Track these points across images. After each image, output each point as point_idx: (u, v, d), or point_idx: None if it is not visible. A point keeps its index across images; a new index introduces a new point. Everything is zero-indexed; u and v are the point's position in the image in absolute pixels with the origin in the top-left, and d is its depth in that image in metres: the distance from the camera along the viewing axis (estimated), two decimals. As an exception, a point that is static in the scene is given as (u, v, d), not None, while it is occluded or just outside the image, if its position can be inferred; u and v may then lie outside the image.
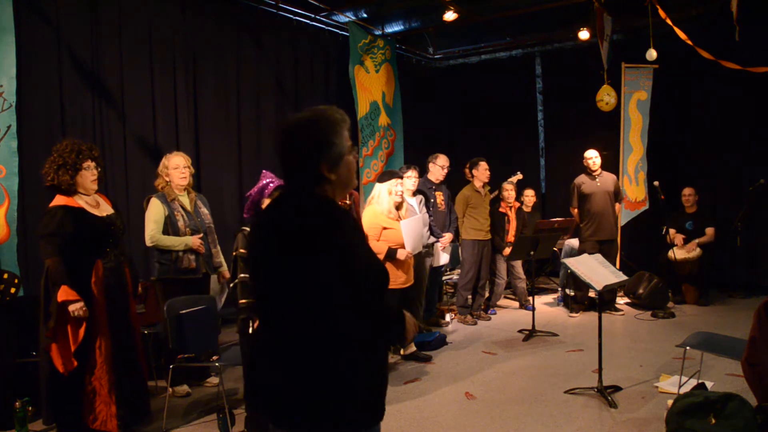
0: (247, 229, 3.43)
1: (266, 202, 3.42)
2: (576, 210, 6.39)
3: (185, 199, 4.29)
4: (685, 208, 6.90)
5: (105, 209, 3.54)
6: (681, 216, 6.89)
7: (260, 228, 1.79)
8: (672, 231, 6.74)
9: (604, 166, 6.42)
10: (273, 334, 1.72)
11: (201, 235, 4.23)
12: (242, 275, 3.40)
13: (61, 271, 3.25)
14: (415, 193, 5.40)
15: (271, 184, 3.47)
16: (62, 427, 3.39)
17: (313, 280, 1.60)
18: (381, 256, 4.51)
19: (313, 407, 1.64)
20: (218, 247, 4.40)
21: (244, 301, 3.38)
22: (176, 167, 4.22)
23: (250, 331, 3.34)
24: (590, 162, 6.27)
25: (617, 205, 6.36)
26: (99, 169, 3.52)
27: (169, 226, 4.13)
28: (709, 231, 6.70)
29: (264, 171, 3.61)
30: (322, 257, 1.59)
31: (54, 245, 3.27)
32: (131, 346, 3.60)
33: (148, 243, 4.14)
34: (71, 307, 3.24)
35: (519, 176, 7.04)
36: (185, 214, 4.21)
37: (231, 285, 3.55)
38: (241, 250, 3.46)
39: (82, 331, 3.29)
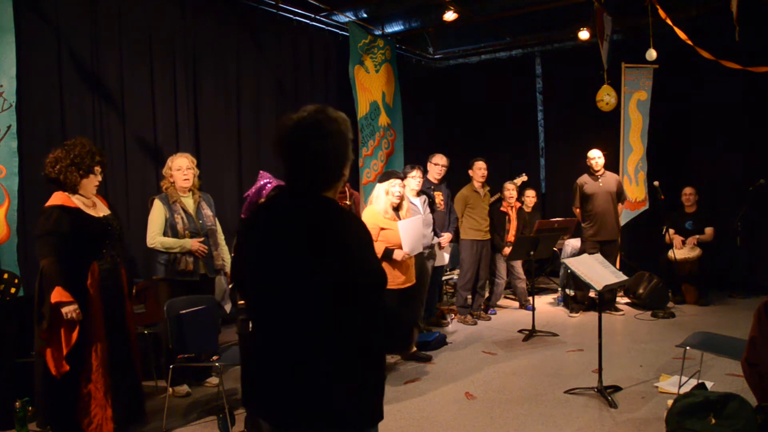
0: None
1: None
2: (578, 210, 6.38)
3: (189, 201, 4.29)
4: (684, 208, 6.90)
5: (101, 210, 3.50)
6: (681, 216, 6.89)
7: (257, 228, 1.75)
8: (671, 231, 6.73)
9: (605, 166, 6.41)
10: (272, 333, 1.69)
11: (201, 239, 4.22)
12: None
13: (55, 272, 3.17)
14: (419, 194, 5.39)
15: (269, 185, 3.40)
16: (57, 430, 3.34)
17: (326, 280, 1.58)
18: (378, 256, 4.50)
19: (312, 408, 1.63)
20: (220, 249, 4.36)
21: (244, 302, 3.34)
22: (179, 169, 4.23)
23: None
24: (593, 162, 6.23)
25: (620, 205, 6.34)
26: (102, 175, 3.53)
27: (168, 228, 4.14)
28: (708, 230, 6.70)
29: (261, 171, 3.55)
30: (338, 257, 1.58)
31: (50, 245, 3.21)
32: (126, 348, 3.56)
33: (148, 244, 4.15)
34: (64, 309, 3.16)
35: (524, 177, 7.04)
36: (185, 216, 4.20)
37: (230, 286, 3.46)
38: None
39: (75, 334, 3.22)
